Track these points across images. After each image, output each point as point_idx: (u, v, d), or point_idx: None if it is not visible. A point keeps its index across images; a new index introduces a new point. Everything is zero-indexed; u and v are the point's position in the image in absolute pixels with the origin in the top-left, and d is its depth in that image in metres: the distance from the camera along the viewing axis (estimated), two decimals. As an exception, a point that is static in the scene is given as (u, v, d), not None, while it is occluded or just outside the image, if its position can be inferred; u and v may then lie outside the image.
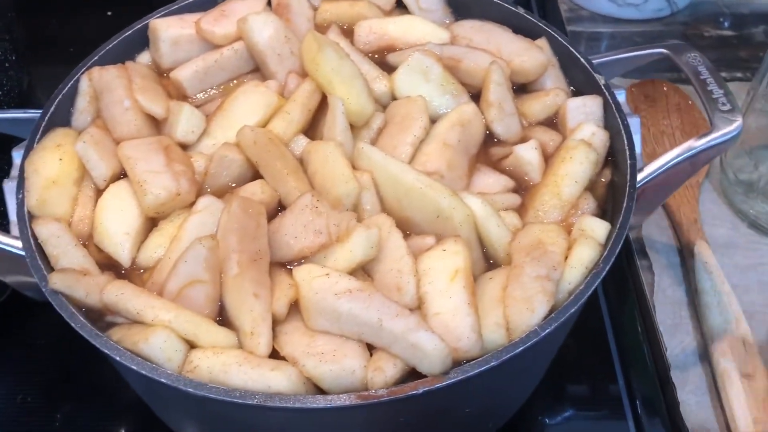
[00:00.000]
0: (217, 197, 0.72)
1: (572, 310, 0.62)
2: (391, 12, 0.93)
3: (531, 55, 0.84)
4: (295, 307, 0.65)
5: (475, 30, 0.89)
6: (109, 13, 1.34)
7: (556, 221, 0.72)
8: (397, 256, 0.67)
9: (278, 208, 0.73)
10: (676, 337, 0.91)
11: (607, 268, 0.64)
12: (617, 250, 0.66)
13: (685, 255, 0.98)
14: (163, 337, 0.60)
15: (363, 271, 0.68)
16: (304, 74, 0.81)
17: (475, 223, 0.69)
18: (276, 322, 0.64)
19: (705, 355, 0.88)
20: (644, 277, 0.96)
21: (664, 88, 1.17)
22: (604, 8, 1.34)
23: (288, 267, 0.69)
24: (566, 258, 0.66)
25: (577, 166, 0.73)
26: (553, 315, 0.62)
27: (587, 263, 0.65)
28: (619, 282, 1.00)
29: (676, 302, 0.94)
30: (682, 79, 1.15)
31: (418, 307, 0.64)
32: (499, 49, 0.85)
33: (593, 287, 0.63)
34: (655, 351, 0.90)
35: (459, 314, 0.62)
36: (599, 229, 0.68)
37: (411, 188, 0.70)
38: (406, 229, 0.71)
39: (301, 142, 0.78)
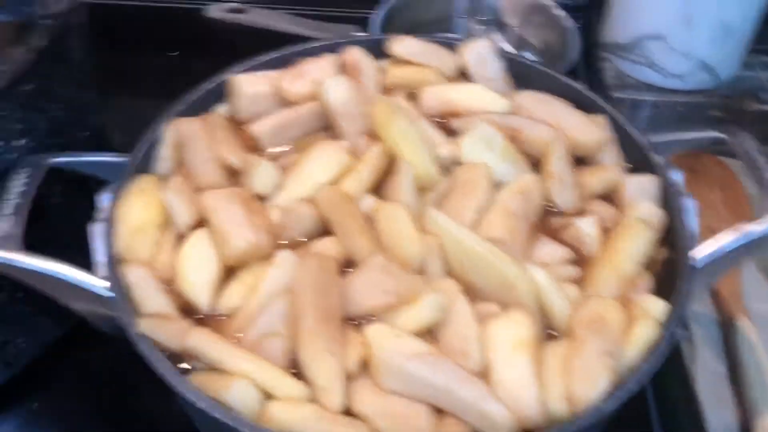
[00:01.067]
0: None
1: (634, 389, 0.64)
2: (454, 79, 0.97)
3: (591, 131, 0.88)
4: (363, 364, 0.68)
5: (536, 101, 0.93)
6: (176, 53, 1.41)
7: (613, 296, 0.75)
8: (463, 321, 0.70)
9: (345, 265, 0.77)
10: (716, 412, 0.92)
11: (668, 349, 0.67)
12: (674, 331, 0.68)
13: (726, 328, 1.00)
14: (243, 386, 0.63)
15: (428, 334, 0.71)
16: (372, 135, 0.86)
17: (538, 293, 0.72)
18: (347, 379, 0.67)
19: (745, 432, 0.90)
20: (684, 349, 0.98)
21: (707, 161, 1.20)
22: (649, 78, 1.38)
23: (355, 323, 0.72)
24: (625, 335, 0.69)
25: (635, 243, 0.77)
26: (615, 392, 0.64)
27: (647, 341, 0.68)
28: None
29: (717, 376, 0.96)
30: (722, 152, 1.18)
31: (482, 373, 0.67)
32: (559, 122, 0.89)
33: (657, 366, 0.66)
34: (697, 425, 0.92)
35: (524, 384, 0.65)
36: (658, 308, 0.71)
37: (476, 255, 0.73)
38: (468, 294, 0.74)
39: (368, 201, 0.81)
